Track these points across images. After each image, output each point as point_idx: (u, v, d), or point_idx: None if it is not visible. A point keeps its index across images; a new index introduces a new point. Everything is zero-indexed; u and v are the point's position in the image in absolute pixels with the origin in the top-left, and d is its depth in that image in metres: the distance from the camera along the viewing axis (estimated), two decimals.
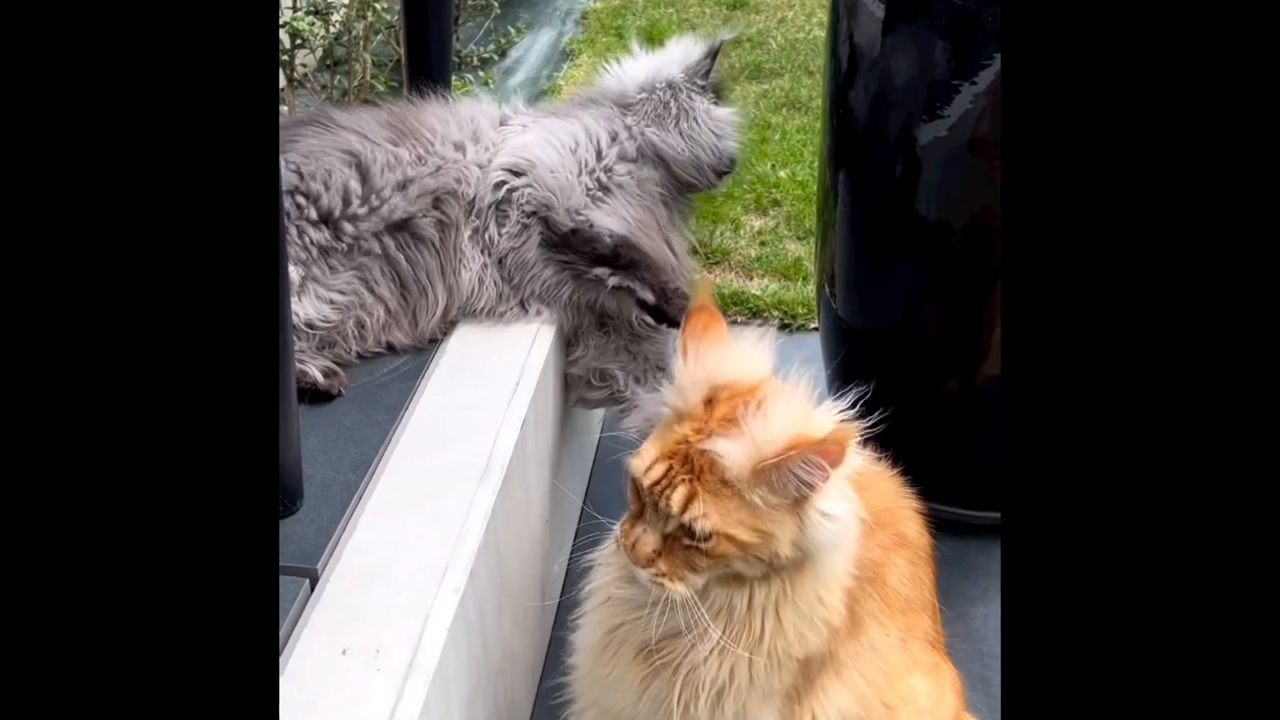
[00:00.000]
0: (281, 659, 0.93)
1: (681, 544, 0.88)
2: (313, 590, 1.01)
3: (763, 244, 2.49)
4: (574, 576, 1.63)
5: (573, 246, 1.45)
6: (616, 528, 1.01)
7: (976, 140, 1.40)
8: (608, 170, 1.50)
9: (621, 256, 1.45)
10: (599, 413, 1.94)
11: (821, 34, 1.72)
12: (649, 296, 1.45)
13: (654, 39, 3.45)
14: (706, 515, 0.85)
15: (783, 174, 2.74)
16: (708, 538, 0.86)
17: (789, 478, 0.85)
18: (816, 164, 1.80)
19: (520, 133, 1.52)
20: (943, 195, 1.48)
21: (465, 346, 1.41)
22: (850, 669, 1.02)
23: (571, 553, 1.64)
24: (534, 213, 1.45)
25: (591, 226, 1.45)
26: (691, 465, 0.86)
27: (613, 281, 1.45)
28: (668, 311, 1.46)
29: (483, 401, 1.30)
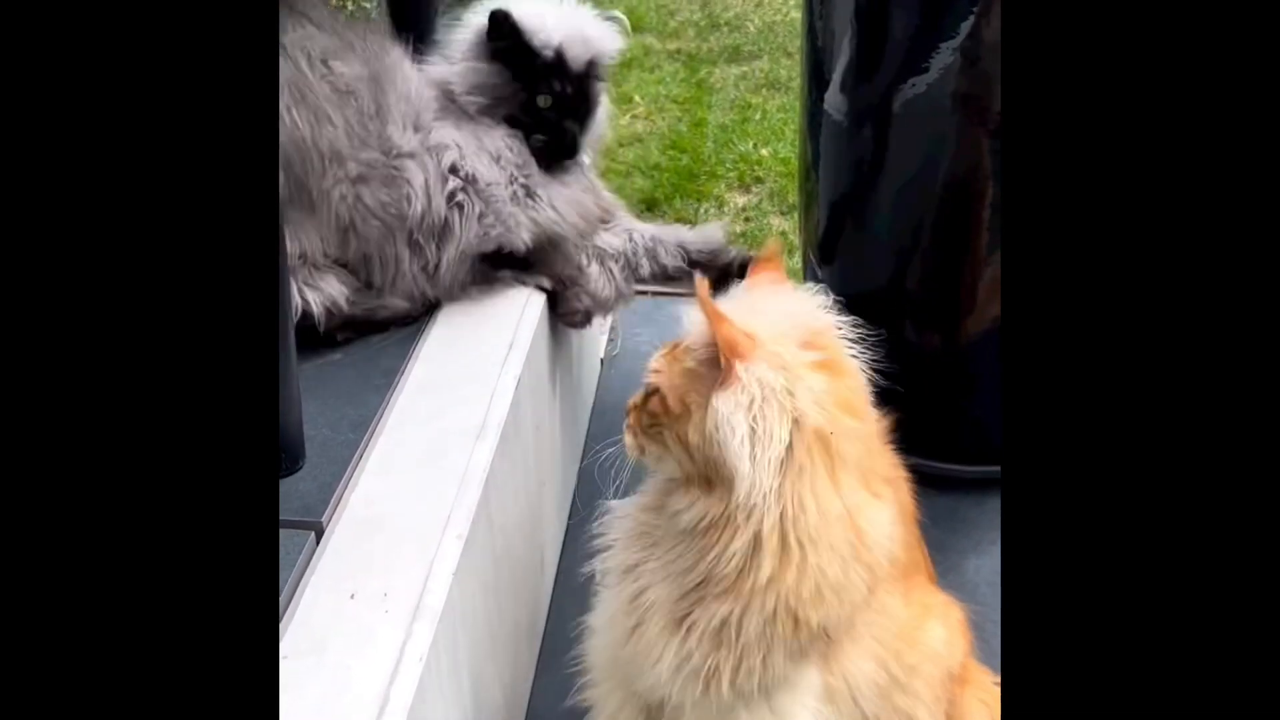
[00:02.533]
0: (290, 607, 0.95)
1: None
2: (318, 543, 1.02)
3: (747, 220, 2.52)
4: (570, 546, 1.66)
5: (489, 261, 1.46)
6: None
7: (956, 95, 1.43)
8: (528, 175, 1.47)
9: (530, 263, 1.48)
10: (593, 382, 1.96)
11: (798, 15, 1.74)
12: (547, 285, 1.50)
13: (633, 24, 3.46)
14: None
15: (764, 152, 2.78)
16: None
17: None
18: (797, 141, 1.83)
19: (449, 129, 1.46)
20: (923, 152, 1.50)
21: (457, 313, 1.43)
22: (864, 633, 1.03)
23: (569, 520, 1.67)
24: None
25: (507, 248, 1.45)
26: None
27: (512, 277, 1.48)
28: (558, 306, 1.50)
29: (477, 366, 1.32)
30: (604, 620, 1.03)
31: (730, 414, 0.87)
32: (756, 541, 0.89)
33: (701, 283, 0.93)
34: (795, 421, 0.88)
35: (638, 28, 3.32)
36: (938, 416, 1.70)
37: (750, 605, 0.91)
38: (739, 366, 0.87)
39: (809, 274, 1.80)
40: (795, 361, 0.89)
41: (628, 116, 3.06)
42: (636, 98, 3.17)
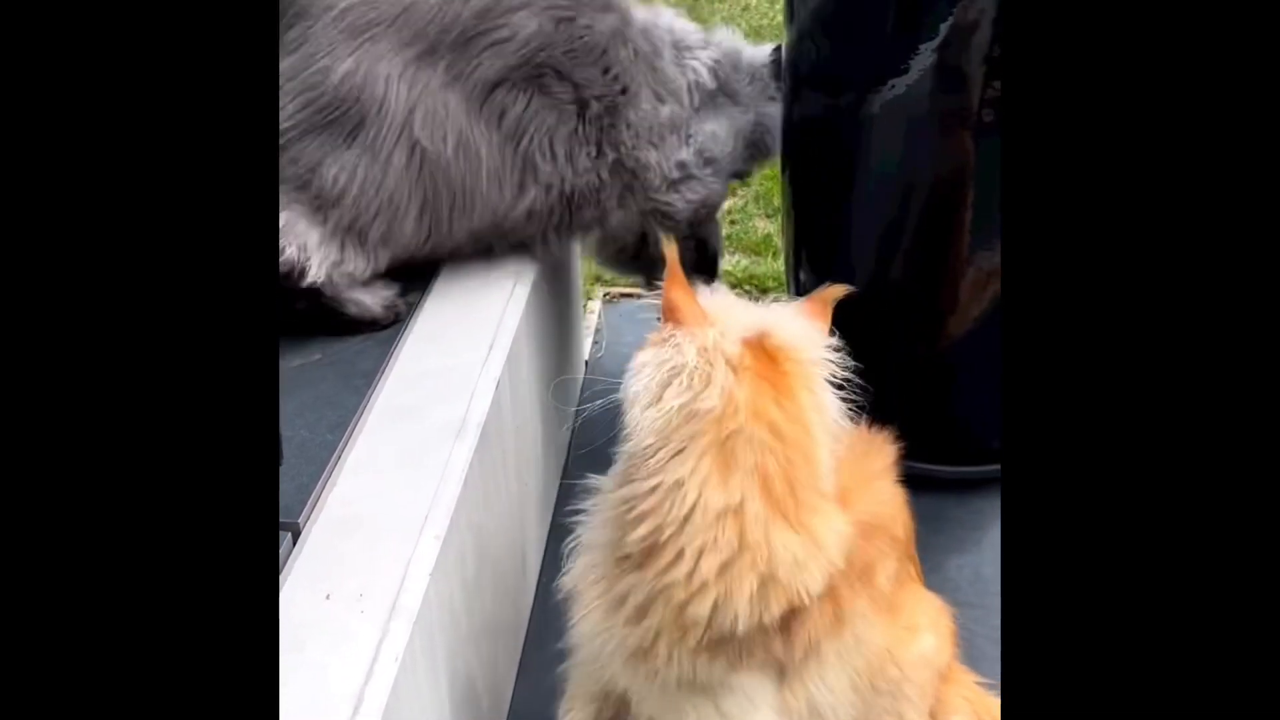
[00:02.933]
0: None
1: None
2: (295, 543, 1.02)
3: (733, 222, 2.52)
4: (553, 546, 1.65)
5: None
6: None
7: (936, 96, 1.43)
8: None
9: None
10: (578, 383, 1.96)
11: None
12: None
13: None
14: None
15: None
16: None
17: None
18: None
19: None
20: (903, 153, 1.51)
21: (438, 313, 1.43)
22: (837, 662, 1.03)
23: (552, 521, 1.66)
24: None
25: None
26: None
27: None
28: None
29: (457, 366, 1.31)
30: (572, 592, 1.03)
31: (641, 365, 0.92)
32: (633, 503, 0.90)
33: (670, 248, 0.96)
34: (693, 400, 0.88)
35: None
36: (920, 417, 1.70)
37: (639, 576, 0.92)
38: (667, 329, 0.91)
39: (792, 276, 1.81)
40: (723, 353, 0.89)
41: None
42: None
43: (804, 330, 0.96)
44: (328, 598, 0.95)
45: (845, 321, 1.70)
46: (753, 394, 0.89)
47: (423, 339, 1.38)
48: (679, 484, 0.88)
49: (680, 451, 0.88)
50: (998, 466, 1.74)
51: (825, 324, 1.00)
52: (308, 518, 1.05)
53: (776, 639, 0.95)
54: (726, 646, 0.94)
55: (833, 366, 0.95)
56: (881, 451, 1.14)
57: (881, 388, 1.70)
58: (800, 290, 1.78)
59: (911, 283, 1.61)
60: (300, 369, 1.30)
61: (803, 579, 0.91)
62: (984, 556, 1.63)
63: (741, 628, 0.91)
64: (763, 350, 0.91)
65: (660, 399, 0.89)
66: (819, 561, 0.92)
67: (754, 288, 2.28)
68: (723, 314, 0.93)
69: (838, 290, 1.03)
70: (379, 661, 0.89)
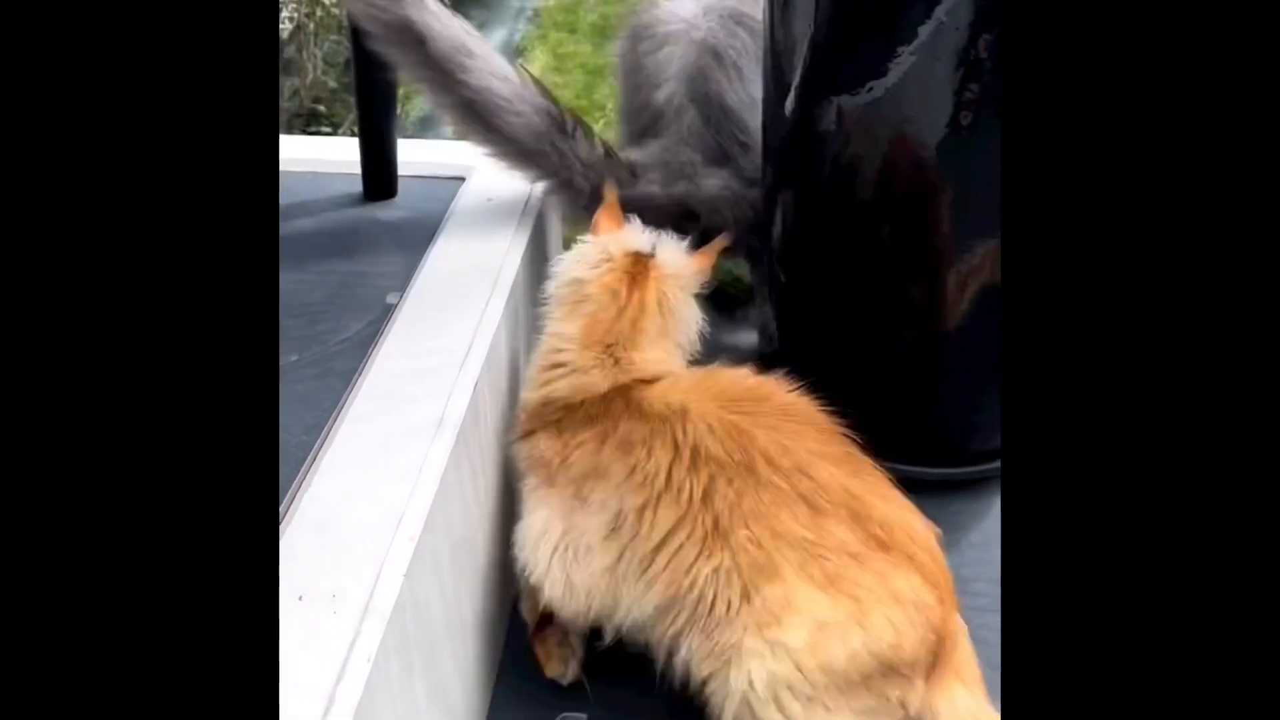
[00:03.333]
0: None
1: None
2: None
3: None
4: None
5: None
6: None
7: (915, 98, 1.43)
8: None
9: None
10: None
11: None
12: None
13: (606, 34, 3.48)
14: None
15: None
16: None
17: None
18: None
19: None
20: (882, 155, 1.51)
21: (416, 314, 1.43)
22: (605, 503, 1.23)
23: None
24: None
25: None
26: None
27: None
28: None
29: (435, 367, 1.31)
30: None
31: (571, 249, 1.38)
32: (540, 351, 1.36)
33: (611, 189, 1.44)
34: (576, 272, 1.33)
35: (609, 36, 3.33)
36: (901, 419, 1.70)
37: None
38: (590, 235, 1.38)
39: (773, 279, 1.81)
40: (608, 250, 1.33)
41: (600, 124, 3.06)
42: (609, 106, 3.18)
43: (683, 261, 1.35)
44: (300, 599, 0.95)
45: (830, 325, 1.72)
46: (612, 277, 1.30)
47: (401, 339, 1.37)
48: (548, 321, 1.33)
49: (559, 305, 1.33)
50: (978, 468, 1.74)
51: (708, 266, 1.38)
52: (281, 520, 1.04)
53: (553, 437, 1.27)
54: (530, 443, 1.30)
55: (693, 286, 1.36)
56: (811, 423, 1.23)
57: (864, 389, 1.71)
58: (778, 291, 1.78)
59: (892, 286, 1.61)
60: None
61: (563, 368, 1.30)
62: (964, 558, 1.63)
63: (533, 398, 1.31)
64: (640, 259, 1.31)
65: (563, 273, 1.34)
66: (574, 370, 1.29)
67: (739, 290, 2.28)
68: (630, 234, 1.36)
69: (721, 241, 1.43)
70: (350, 662, 0.89)
